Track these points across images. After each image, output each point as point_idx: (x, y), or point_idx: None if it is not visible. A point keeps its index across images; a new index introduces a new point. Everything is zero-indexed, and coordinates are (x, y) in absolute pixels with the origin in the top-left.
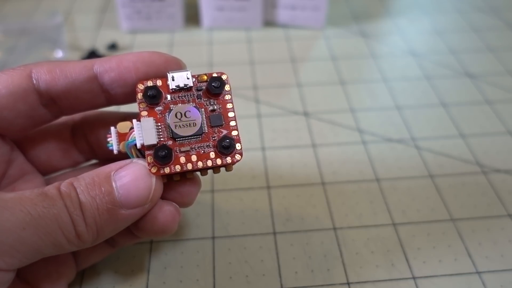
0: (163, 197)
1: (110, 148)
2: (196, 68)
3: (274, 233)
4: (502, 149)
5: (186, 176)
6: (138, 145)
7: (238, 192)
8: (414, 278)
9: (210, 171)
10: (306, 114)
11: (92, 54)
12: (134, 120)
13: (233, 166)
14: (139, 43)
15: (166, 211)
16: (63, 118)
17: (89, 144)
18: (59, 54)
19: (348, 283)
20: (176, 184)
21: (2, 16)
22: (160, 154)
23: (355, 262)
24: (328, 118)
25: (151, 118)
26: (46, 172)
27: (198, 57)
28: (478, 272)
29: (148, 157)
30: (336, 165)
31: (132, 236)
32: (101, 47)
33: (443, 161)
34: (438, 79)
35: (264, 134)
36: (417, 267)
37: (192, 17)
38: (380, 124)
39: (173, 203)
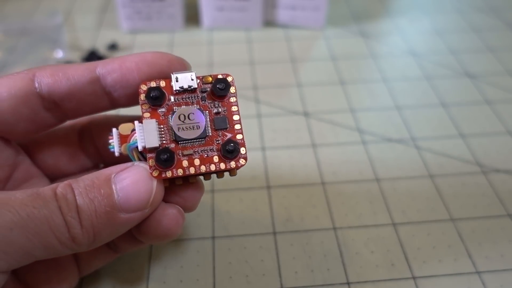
0: (165, 201)
1: (112, 150)
2: (196, 68)
3: (274, 233)
4: (502, 149)
5: (189, 181)
6: (140, 148)
7: (238, 192)
8: (414, 278)
9: (213, 176)
10: (306, 114)
11: (92, 54)
12: (136, 122)
13: (237, 171)
14: (139, 43)
15: (170, 214)
16: (71, 122)
17: (96, 149)
18: (59, 54)
19: (348, 283)
20: (178, 188)
21: (2, 16)
22: (162, 157)
23: (355, 262)
24: (328, 118)
25: (154, 120)
26: (54, 176)
27: (198, 57)
28: (478, 272)
29: (150, 160)
30: (336, 165)
31: (135, 241)
32: (101, 47)
33: (443, 161)
34: (438, 79)
35: (264, 134)
36: (417, 267)
37: (192, 17)
38: (380, 124)
39: (177, 206)
